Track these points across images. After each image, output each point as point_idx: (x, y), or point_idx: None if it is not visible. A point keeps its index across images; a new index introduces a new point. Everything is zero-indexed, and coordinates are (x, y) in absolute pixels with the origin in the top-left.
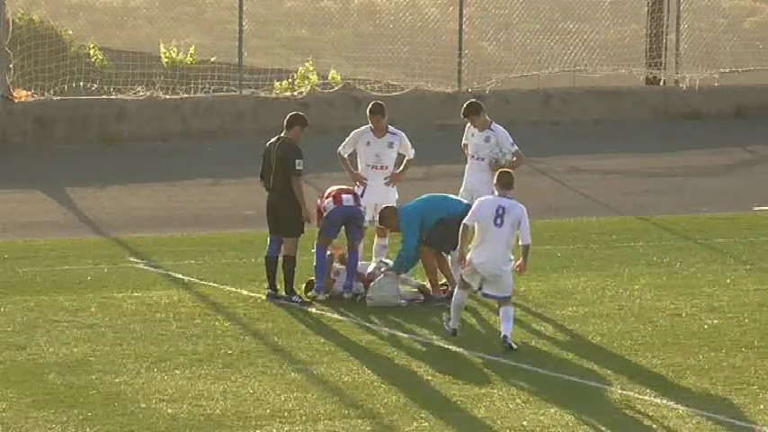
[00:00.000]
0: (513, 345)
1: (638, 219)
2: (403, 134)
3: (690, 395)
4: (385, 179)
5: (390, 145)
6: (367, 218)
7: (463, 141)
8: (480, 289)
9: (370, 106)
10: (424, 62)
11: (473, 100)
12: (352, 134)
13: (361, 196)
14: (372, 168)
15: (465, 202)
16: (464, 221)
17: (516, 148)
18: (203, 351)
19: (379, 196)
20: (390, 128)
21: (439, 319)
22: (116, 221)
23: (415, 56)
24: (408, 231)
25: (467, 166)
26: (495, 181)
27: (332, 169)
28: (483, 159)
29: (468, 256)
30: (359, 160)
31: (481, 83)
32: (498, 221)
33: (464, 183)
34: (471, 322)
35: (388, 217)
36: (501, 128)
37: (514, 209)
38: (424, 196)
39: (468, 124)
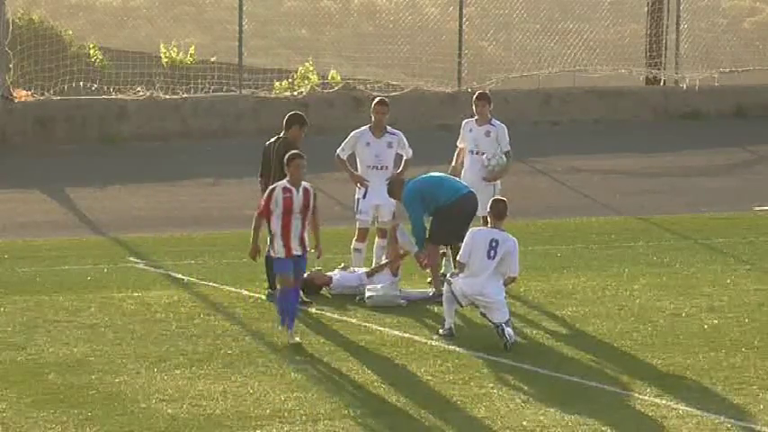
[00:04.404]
0: (511, 337)
1: (638, 219)
2: (401, 134)
3: (690, 395)
4: (386, 180)
5: (389, 145)
6: (369, 219)
7: (459, 144)
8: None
9: (376, 100)
10: (424, 62)
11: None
12: (350, 135)
13: (363, 198)
14: (373, 169)
15: (464, 187)
16: (458, 258)
17: (509, 148)
18: (203, 351)
19: (380, 197)
20: (388, 128)
21: (439, 319)
22: (116, 221)
23: (415, 56)
24: (411, 212)
25: (464, 162)
26: (488, 209)
27: (332, 169)
28: (483, 154)
29: (458, 283)
30: (358, 161)
31: (481, 83)
32: (492, 254)
33: (462, 179)
34: (471, 322)
35: (395, 190)
36: (501, 123)
37: (507, 242)
38: (424, 176)
39: (466, 122)
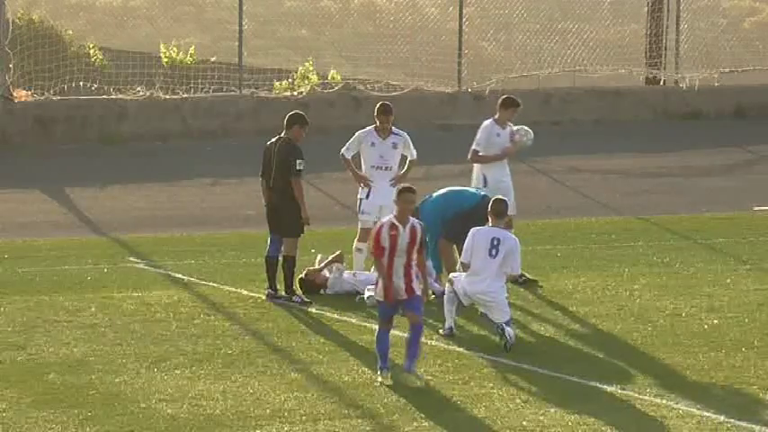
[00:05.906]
0: (511, 338)
1: (638, 219)
2: (406, 135)
3: (690, 395)
4: (390, 180)
5: (394, 146)
6: (372, 219)
7: (477, 148)
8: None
9: (379, 106)
10: (424, 62)
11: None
12: (356, 135)
13: (367, 198)
14: (377, 169)
15: (481, 192)
16: (461, 259)
17: None
18: (203, 351)
19: (384, 198)
20: (394, 129)
21: (439, 319)
22: (116, 221)
23: (414, 56)
24: (432, 234)
25: (480, 166)
26: (489, 209)
27: (332, 169)
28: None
29: (460, 282)
30: (362, 162)
31: (481, 83)
32: (493, 252)
33: (486, 181)
34: (471, 322)
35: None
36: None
37: (508, 240)
38: (441, 192)
39: (492, 126)
